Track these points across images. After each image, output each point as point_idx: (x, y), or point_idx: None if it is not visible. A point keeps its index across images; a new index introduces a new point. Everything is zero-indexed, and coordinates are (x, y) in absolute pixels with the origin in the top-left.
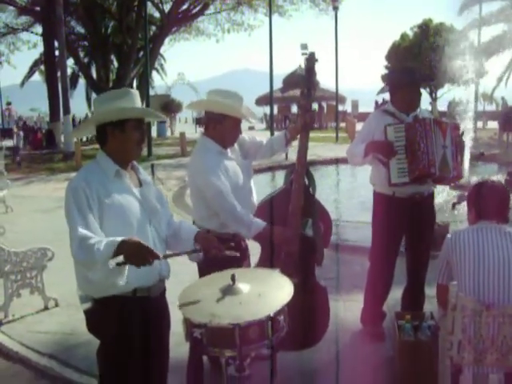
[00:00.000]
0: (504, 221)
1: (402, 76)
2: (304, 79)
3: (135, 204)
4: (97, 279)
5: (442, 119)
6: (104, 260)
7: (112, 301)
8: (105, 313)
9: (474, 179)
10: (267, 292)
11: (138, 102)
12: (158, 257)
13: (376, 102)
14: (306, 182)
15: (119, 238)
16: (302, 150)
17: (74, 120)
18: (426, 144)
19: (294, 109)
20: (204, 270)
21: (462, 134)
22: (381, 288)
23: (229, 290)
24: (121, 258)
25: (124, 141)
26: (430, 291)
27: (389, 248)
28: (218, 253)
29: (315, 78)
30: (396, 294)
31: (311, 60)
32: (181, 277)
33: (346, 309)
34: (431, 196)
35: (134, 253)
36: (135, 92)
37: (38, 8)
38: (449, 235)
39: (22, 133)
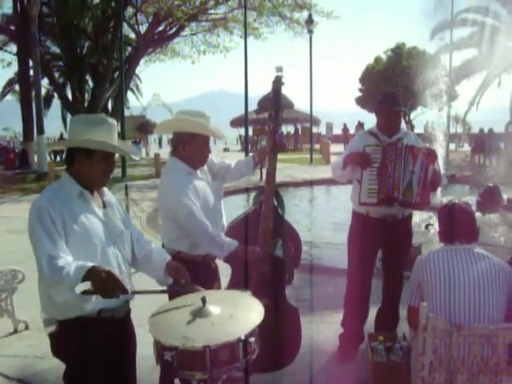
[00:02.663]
0: (472, 240)
1: (380, 103)
2: (271, 101)
3: (99, 225)
4: (62, 301)
5: (417, 145)
6: (72, 284)
7: (76, 323)
8: (69, 335)
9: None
10: (238, 313)
11: (112, 134)
12: (126, 292)
13: (344, 125)
14: (275, 203)
15: (90, 264)
16: (271, 172)
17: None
18: (393, 168)
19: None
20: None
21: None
22: (357, 305)
23: (199, 313)
24: (88, 284)
25: (89, 168)
26: (403, 312)
27: (362, 265)
28: (186, 284)
29: (281, 99)
30: (371, 315)
31: (277, 83)
32: (152, 298)
33: (320, 331)
34: (407, 218)
35: (103, 283)
36: (112, 122)
37: (12, 27)
38: (419, 257)
39: None
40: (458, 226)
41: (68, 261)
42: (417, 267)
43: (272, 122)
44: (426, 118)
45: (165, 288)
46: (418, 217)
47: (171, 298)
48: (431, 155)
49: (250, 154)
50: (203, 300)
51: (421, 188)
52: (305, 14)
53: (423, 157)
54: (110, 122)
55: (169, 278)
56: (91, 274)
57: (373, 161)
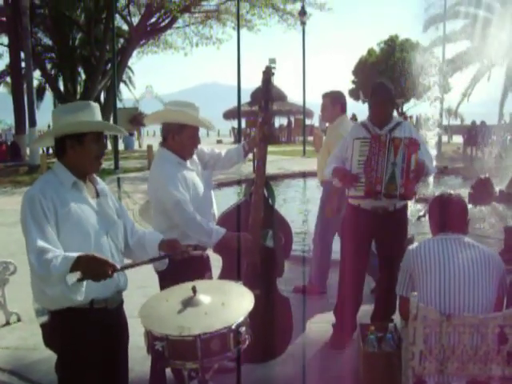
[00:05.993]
0: (463, 232)
1: (370, 96)
2: (261, 92)
3: (92, 215)
4: (53, 294)
5: (399, 136)
6: (60, 276)
7: (68, 313)
8: (61, 326)
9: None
10: (229, 301)
11: (97, 115)
12: (115, 268)
13: None
14: (266, 194)
15: (75, 254)
16: (261, 162)
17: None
18: (376, 161)
19: None
20: (165, 282)
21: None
22: (350, 294)
23: (190, 302)
24: (78, 274)
25: (82, 154)
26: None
27: (355, 254)
28: (184, 254)
29: (272, 90)
30: (363, 306)
31: (267, 73)
32: (147, 290)
33: (311, 321)
34: (401, 210)
35: (91, 267)
36: (95, 105)
37: (3, 18)
38: (409, 247)
39: None
40: (450, 216)
41: (56, 254)
42: (407, 258)
43: (262, 113)
44: (419, 111)
45: (154, 256)
46: (412, 208)
47: (163, 286)
48: (413, 145)
49: (240, 143)
50: (194, 289)
51: (404, 179)
52: (298, 5)
53: (404, 147)
54: (92, 105)
55: (158, 255)
56: (78, 263)
57: (361, 154)
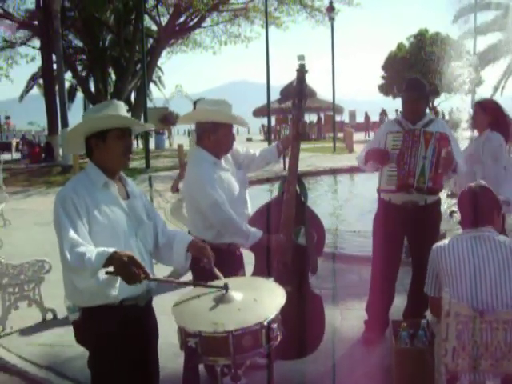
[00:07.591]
0: (494, 225)
1: (404, 91)
2: (295, 90)
3: (122, 216)
4: (85, 288)
5: (431, 130)
6: (94, 270)
7: (99, 310)
8: (92, 322)
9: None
10: (261, 296)
11: (120, 112)
12: (148, 276)
13: (366, 113)
14: (298, 191)
15: (111, 249)
16: (293, 160)
17: None
18: (409, 155)
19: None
20: (198, 280)
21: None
22: (382, 291)
23: (222, 299)
24: (111, 269)
25: (107, 151)
26: None
27: (386, 250)
28: (207, 265)
29: (306, 88)
30: (395, 303)
31: (301, 71)
32: (179, 288)
33: (343, 318)
34: (432, 205)
35: (127, 267)
36: (118, 102)
37: (35, 22)
38: (435, 246)
39: None
40: (480, 209)
41: (90, 248)
42: (433, 257)
43: (295, 110)
44: (450, 105)
45: (187, 280)
46: (444, 203)
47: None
48: (443, 139)
49: (274, 143)
50: (226, 286)
51: (433, 173)
52: (326, 1)
53: (435, 141)
54: (116, 102)
55: (188, 260)
56: (113, 259)
57: (393, 148)
